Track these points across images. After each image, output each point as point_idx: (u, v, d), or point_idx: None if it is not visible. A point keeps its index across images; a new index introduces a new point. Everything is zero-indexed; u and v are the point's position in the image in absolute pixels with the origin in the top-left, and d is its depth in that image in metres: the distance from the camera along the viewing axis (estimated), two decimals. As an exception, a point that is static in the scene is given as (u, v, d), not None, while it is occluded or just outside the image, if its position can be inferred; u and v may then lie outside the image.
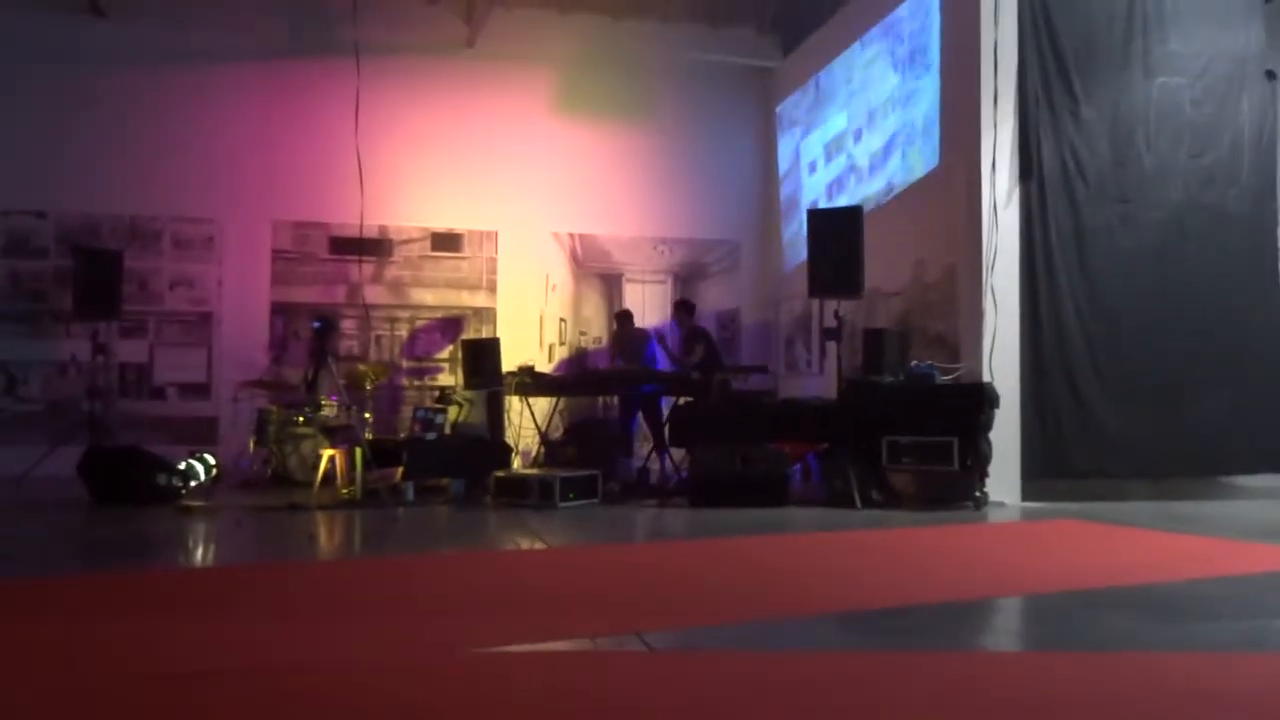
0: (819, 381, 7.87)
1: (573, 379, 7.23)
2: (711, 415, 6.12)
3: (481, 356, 7.26)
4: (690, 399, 6.57)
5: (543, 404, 7.42)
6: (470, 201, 8.46)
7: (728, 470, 5.57)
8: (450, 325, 8.45)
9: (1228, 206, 6.07)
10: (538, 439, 7.15)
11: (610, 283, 8.94)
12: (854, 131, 7.62)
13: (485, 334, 8.39)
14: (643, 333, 7.90)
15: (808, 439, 6.14)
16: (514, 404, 7.35)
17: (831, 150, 7.99)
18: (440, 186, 8.38)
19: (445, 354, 8.45)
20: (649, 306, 8.96)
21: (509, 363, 7.34)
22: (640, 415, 7.31)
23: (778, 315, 8.97)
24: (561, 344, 8.79)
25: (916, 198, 6.71)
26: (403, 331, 8.35)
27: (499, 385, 7.07)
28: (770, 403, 6.45)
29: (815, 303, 7.63)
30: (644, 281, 9.00)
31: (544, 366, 8.27)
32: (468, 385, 7.38)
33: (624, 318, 7.97)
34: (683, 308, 7.74)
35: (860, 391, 5.83)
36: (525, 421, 7.25)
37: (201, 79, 7.83)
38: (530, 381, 6.96)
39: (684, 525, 4.91)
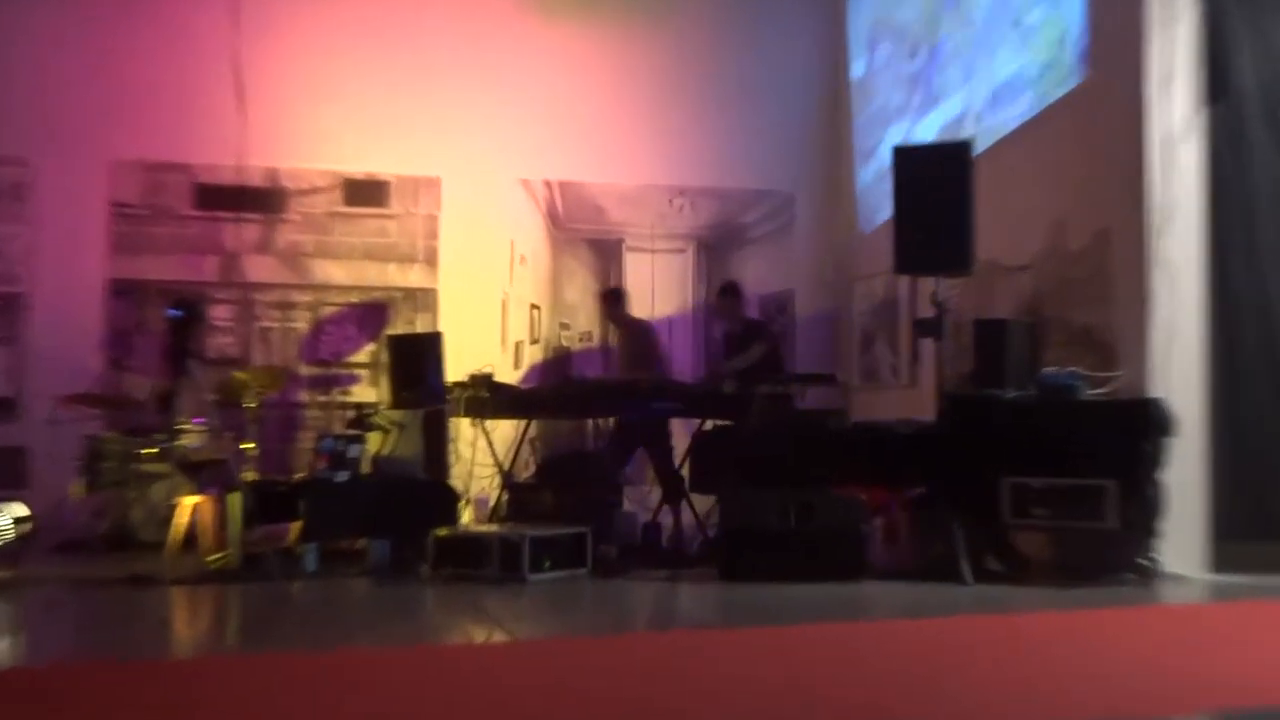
0: (910, 397, 7.88)
1: (550, 393, 7.32)
2: (753, 446, 6.19)
3: (416, 361, 7.34)
4: (722, 422, 6.70)
5: (506, 430, 7.55)
6: (401, 135, 8.56)
7: (776, 526, 5.64)
8: (371, 315, 8.58)
9: None
10: (498, 480, 7.23)
11: (604, 253, 9.05)
12: (960, 37, 7.78)
13: (421, 327, 8.45)
14: (642, 325, 8.03)
15: (894, 481, 6.17)
16: (463, 430, 7.40)
17: (927, 65, 8.14)
18: (357, 113, 8.47)
19: (363, 356, 8.56)
20: (662, 288, 9.06)
21: (456, 370, 7.39)
22: (642, 448, 7.44)
23: (850, 301, 9.06)
24: (534, 342, 8.91)
25: (1052, 131, 6.79)
26: (301, 323, 8.50)
27: (441, 402, 7.14)
28: (839, 428, 6.54)
29: (904, 283, 7.87)
30: (653, 251, 9.10)
31: (508, 376, 8.32)
32: (395, 403, 7.45)
33: (612, 299, 8.07)
34: (731, 294, 7.88)
35: (971, 412, 5.91)
36: (481, 455, 7.33)
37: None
38: (488, 397, 7.05)
39: (711, 608, 5.01)
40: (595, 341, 8.91)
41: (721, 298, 7.99)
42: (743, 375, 7.25)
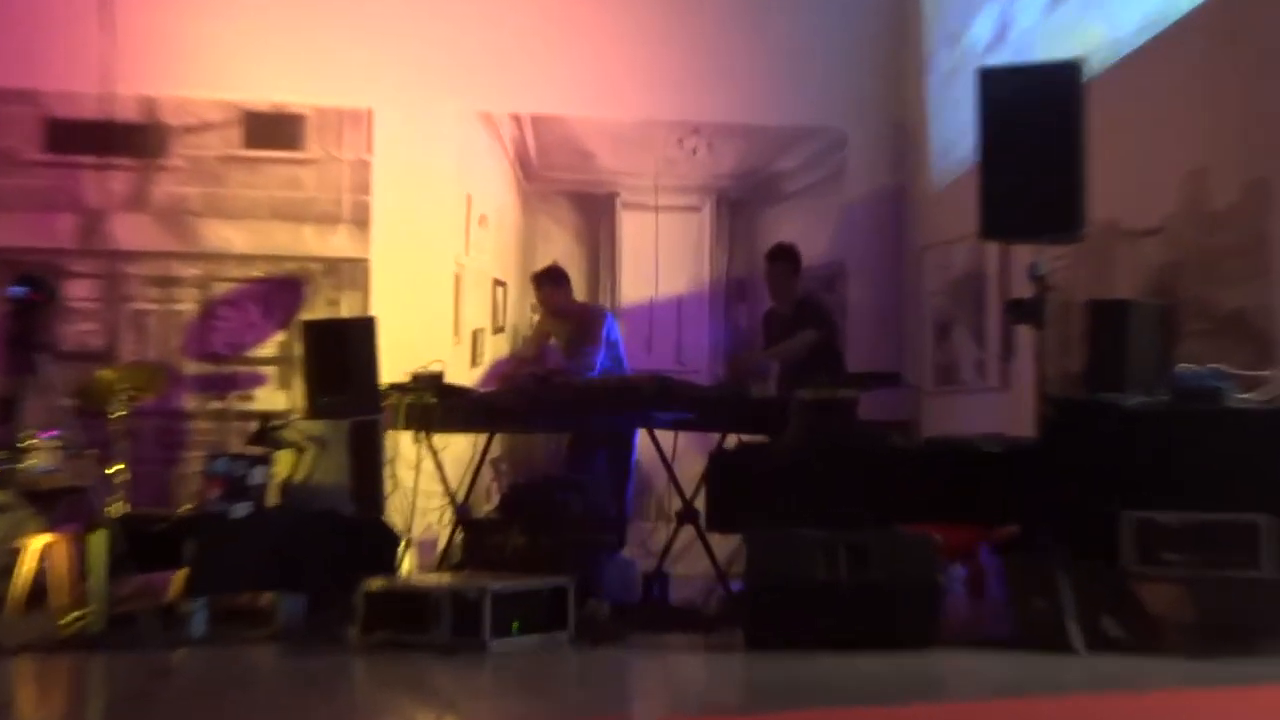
0: (1000, 404, 7.91)
1: (520, 398, 7.25)
2: (791, 470, 6.19)
3: (340, 355, 7.18)
4: (750, 437, 6.71)
5: (460, 448, 7.51)
6: (320, 54, 8.59)
7: (821, 578, 5.61)
8: (280, 294, 8.63)
9: None
10: (450, 516, 7.26)
11: (592, 210, 9.15)
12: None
13: (348, 311, 8.47)
14: (590, 313, 8.21)
15: (979, 516, 6.27)
16: (404, 448, 7.33)
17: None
18: (260, 25, 8.46)
19: (270, 349, 8.58)
20: (669, 256, 9.13)
21: (395, 368, 7.33)
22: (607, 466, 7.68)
23: (919, 276, 9.13)
24: (497, 330, 9.03)
25: (1186, 51, 6.77)
26: (187, 305, 8.56)
27: (374, 412, 7.05)
28: (906, 446, 6.55)
29: (993, 252, 7.93)
30: (658, 208, 9.16)
31: (463, 375, 8.32)
32: (313, 411, 7.27)
33: (549, 281, 8.22)
34: (786, 260, 7.92)
35: (1082, 423, 5.88)
36: (427, 482, 7.27)
37: None
38: (436, 404, 7.04)
39: (734, 687, 5.01)
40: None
41: (772, 264, 7.98)
42: (783, 374, 7.33)
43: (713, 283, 9.41)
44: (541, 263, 8.92)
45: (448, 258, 9.03)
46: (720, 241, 9.39)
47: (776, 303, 8.01)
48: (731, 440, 6.90)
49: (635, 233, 9.30)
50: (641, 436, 7.38)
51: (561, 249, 9.16)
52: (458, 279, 9.01)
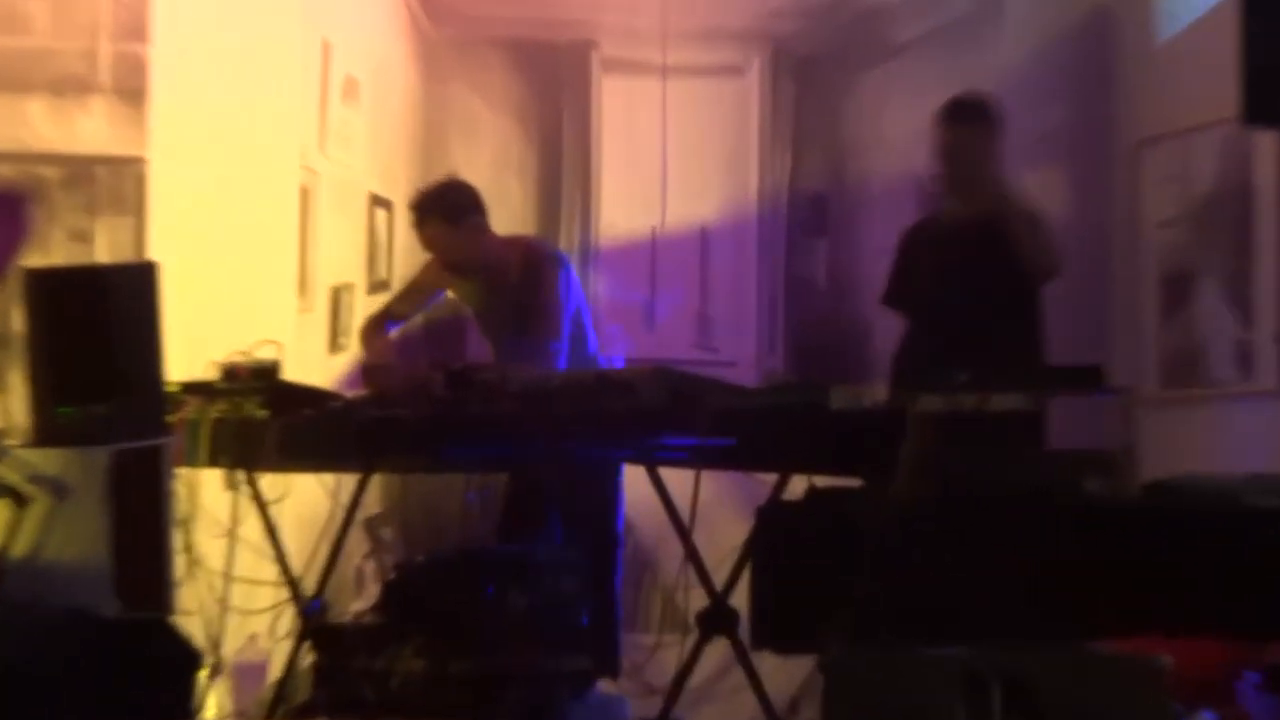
0: (1278, 417, 6.83)
1: (421, 405, 5.58)
2: (905, 540, 4.83)
3: (95, 332, 5.49)
4: (826, 483, 5.16)
5: (309, 497, 6.01)
6: None
7: None
8: None
9: None
10: (293, 619, 5.69)
11: (549, 74, 8.23)
12: None
13: (110, 249, 6.68)
14: (532, 259, 6.69)
15: (1239, 625, 4.93)
16: (207, 497, 5.68)
17: None
18: None
19: None
20: (688, 161, 7.96)
21: (190, 355, 5.78)
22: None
23: (1135, 195, 7.66)
24: (377, 287, 7.80)
25: None
26: None
27: (155, 432, 5.37)
28: (1112, 499, 4.97)
29: (1267, 151, 6.66)
30: (666, 71, 7.93)
31: (315, 368, 7.05)
32: (45, 432, 5.51)
33: (440, 212, 6.53)
34: (978, 118, 6.31)
35: None
36: (252, 560, 5.75)
37: None
38: (267, 420, 5.62)
39: None
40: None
41: (955, 127, 6.25)
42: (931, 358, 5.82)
43: (765, 203, 7.99)
44: (455, 167, 7.44)
45: (288, 157, 7.15)
46: (778, 129, 8.03)
47: (951, 206, 6.24)
48: (797, 486, 5.11)
49: (626, 114, 8.09)
50: (630, 481, 6.17)
51: (492, 143, 7.93)
52: (306, 196, 7.09)
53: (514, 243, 6.60)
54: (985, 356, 5.42)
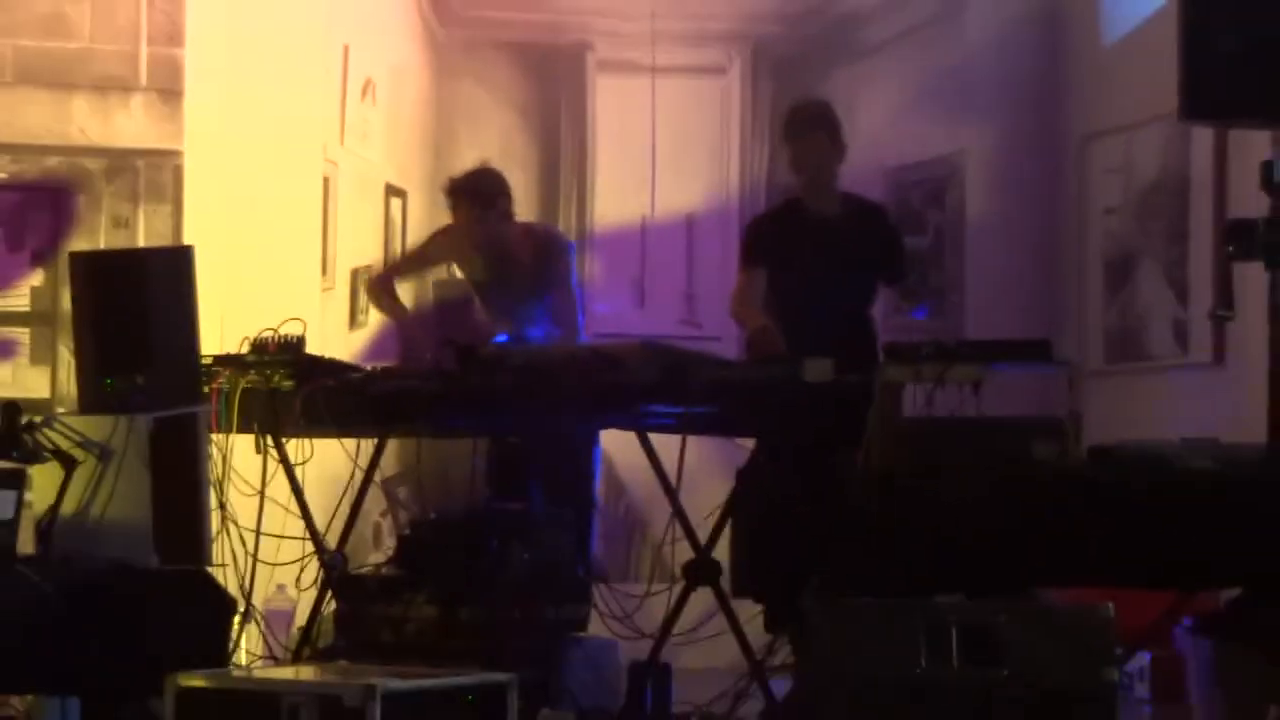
0: (1211, 388, 7.25)
1: (431, 379, 6.11)
2: (870, 500, 5.29)
3: (135, 310, 6.03)
4: (799, 447, 5.86)
5: (332, 460, 6.41)
6: None
7: (920, 674, 4.81)
8: (34, 208, 7.69)
9: None
10: (316, 570, 6.21)
11: (550, 72, 8.30)
12: None
13: (150, 235, 7.51)
14: (545, 244, 7.10)
15: (1173, 576, 5.47)
16: (239, 460, 6.18)
17: None
18: None
19: (17, 299, 7.64)
20: (675, 153, 8.10)
21: (223, 331, 6.37)
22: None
23: (1082, 183, 8.15)
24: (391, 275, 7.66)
25: None
26: None
27: (191, 401, 5.91)
28: (1060, 464, 5.42)
29: (1200, 143, 7.21)
30: (655, 71, 8.15)
31: (338, 342, 7.35)
32: (92, 400, 6.10)
33: (476, 194, 6.87)
34: (821, 125, 6.64)
35: None
36: (279, 517, 6.18)
37: None
38: (293, 390, 6.07)
39: None
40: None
41: (800, 135, 6.59)
42: (829, 336, 6.05)
43: (747, 192, 8.14)
44: (463, 159, 7.54)
45: (311, 151, 7.64)
46: (758, 124, 8.17)
47: (809, 199, 6.62)
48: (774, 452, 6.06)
49: (619, 110, 8.22)
50: (621, 447, 6.54)
51: (497, 137, 8.00)
52: (327, 186, 7.58)
53: (531, 229, 7.11)
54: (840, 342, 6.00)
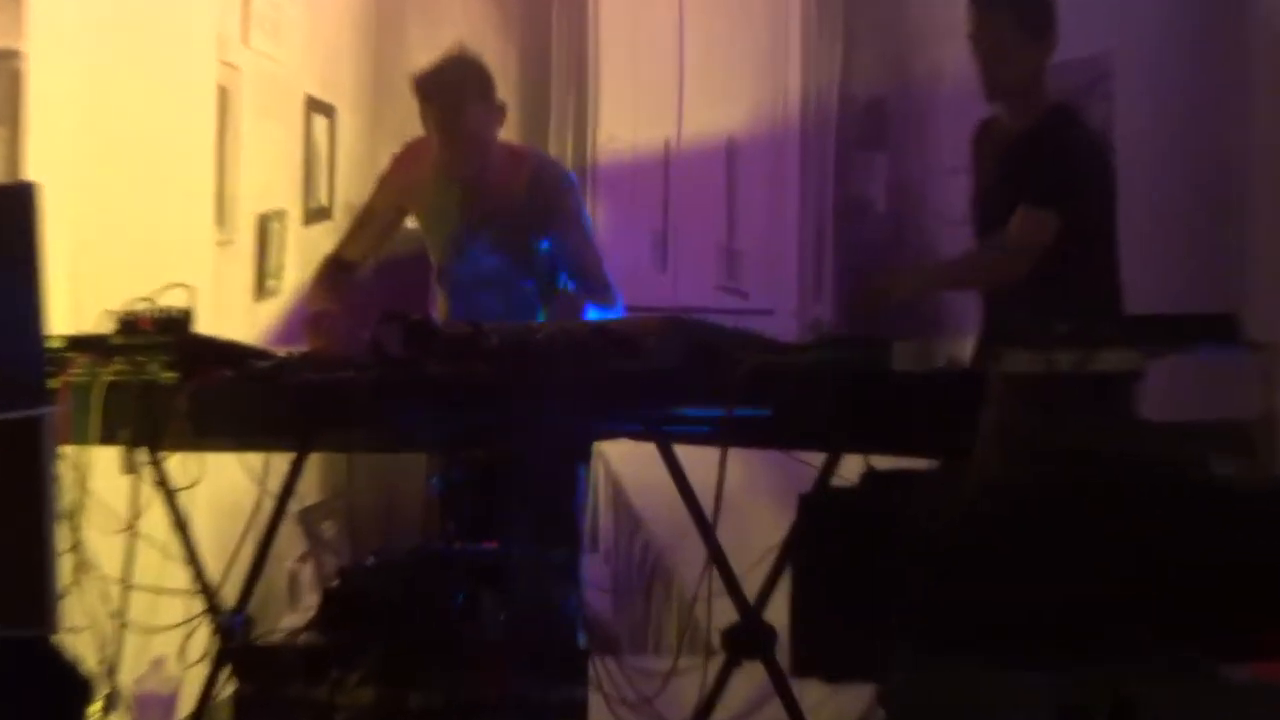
0: None
1: (372, 366, 5.04)
2: (983, 534, 4.37)
3: None
4: (886, 464, 4.99)
5: (228, 482, 5.51)
6: None
7: None
8: None
9: None
10: (209, 634, 5.23)
11: None
12: None
13: None
14: (540, 175, 5.95)
15: None
16: (102, 480, 5.31)
17: None
18: None
19: None
20: (708, 58, 7.29)
21: (81, 301, 5.57)
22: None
23: (1275, 99, 7.26)
24: (316, 217, 7.15)
25: None
26: None
27: (34, 400, 4.66)
28: (1244, 483, 4.54)
29: None
30: None
31: (237, 321, 6.50)
32: None
33: (470, 89, 5.71)
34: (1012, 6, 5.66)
35: None
36: (155, 564, 5.33)
37: None
38: (177, 384, 5.16)
39: None
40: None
41: (986, 11, 5.45)
42: (989, 315, 5.24)
43: (809, 109, 7.10)
44: (411, 63, 6.43)
45: (201, 50, 6.43)
46: (825, 14, 7.07)
47: (996, 110, 5.51)
48: (850, 468, 4.79)
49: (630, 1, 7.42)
50: (635, 464, 6.38)
51: (461, 33, 6.74)
52: (224, 99, 6.41)
53: (518, 153, 5.90)
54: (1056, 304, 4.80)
